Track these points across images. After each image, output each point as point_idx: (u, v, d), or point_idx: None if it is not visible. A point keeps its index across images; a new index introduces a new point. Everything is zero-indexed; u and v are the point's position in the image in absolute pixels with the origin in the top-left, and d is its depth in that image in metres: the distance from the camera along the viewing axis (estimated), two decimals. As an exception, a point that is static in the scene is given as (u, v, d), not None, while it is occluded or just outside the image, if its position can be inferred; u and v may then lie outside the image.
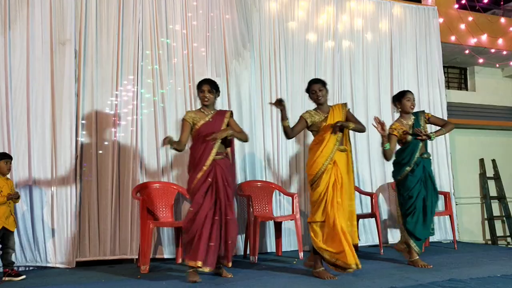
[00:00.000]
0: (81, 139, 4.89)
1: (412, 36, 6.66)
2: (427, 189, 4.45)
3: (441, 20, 6.97)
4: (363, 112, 6.10)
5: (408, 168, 4.43)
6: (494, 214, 7.91)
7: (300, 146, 5.82)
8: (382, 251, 5.32)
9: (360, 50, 6.33)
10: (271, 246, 5.44)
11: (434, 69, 6.70)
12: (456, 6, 7.45)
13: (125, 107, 5.09)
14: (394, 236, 6.06)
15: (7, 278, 4.05)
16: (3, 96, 4.65)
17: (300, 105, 5.87)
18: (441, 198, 5.48)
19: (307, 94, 4.20)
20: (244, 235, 5.21)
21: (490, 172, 8.10)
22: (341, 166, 3.96)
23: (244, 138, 4.16)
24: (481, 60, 7.74)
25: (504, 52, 7.68)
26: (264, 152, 5.63)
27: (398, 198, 4.61)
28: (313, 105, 4.04)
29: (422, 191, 4.42)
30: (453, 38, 7.20)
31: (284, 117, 3.99)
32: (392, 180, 6.07)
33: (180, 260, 4.81)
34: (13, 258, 4.21)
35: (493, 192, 8.04)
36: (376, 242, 5.56)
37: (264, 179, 5.54)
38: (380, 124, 4.31)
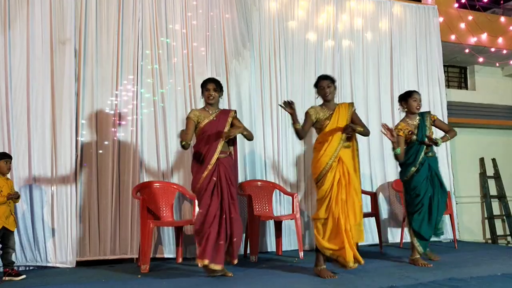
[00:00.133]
0: (81, 139, 4.89)
1: (412, 35, 6.65)
2: (434, 187, 4.44)
3: (441, 19, 6.96)
4: (363, 111, 6.09)
5: (413, 168, 4.43)
6: (494, 213, 7.91)
7: (300, 146, 5.82)
8: (382, 250, 5.32)
9: (360, 49, 6.33)
10: (271, 246, 5.44)
11: (434, 68, 6.70)
12: (456, 5, 7.45)
13: (125, 106, 5.09)
14: (394, 235, 6.07)
15: (7, 278, 4.05)
16: (3, 95, 4.65)
17: (300, 104, 5.85)
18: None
19: (315, 89, 4.16)
20: (244, 234, 5.20)
21: (490, 171, 8.10)
22: (347, 163, 3.95)
23: (251, 137, 4.22)
24: (481, 59, 7.73)
25: (504, 51, 7.67)
26: (264, 151, 5.63)
27: (404, 198, 4.61)
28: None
29: (429, 189, 4.42)
30: (453, 37, 7.20)
31: (295, 120, 3.92)
32: (392, 179, 6.16)
33: (180, 260, 4.82)
34: (13, 257, 4.21)
35: (493, 191, 8.04)
36: (376, 241, 5.57)
37: (264, 179, 5.54)
38: (389, 130, 4.27)
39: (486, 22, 7.53)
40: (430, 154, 4.48)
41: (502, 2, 8.13)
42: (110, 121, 5.00)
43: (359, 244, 4.69)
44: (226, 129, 4.02)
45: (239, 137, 4.35)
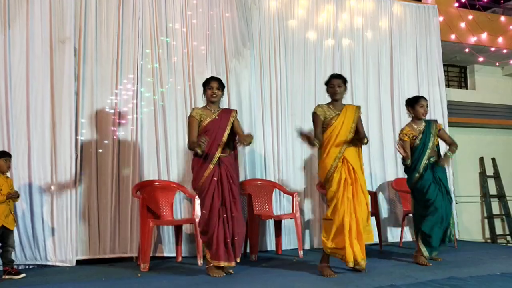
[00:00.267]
0: (81, 138, 4.88)
1: (412, 34, 6.65)
2: (441, 193, 4.43)
3: (441, 18, 6.96)
4: (363, 110, 5.93)
5: (417, 175, 4.43)
6: (494, 213, 7.92)
7: (300, 145, 5.81)
8: (381, 249, 5.32)
9: (360, 48, 6.33)
10: (271, 245, 5.44)
11: (434, 68, 6.70)
12: (456, 4, 7.45)
13: (125, 105, 5.09)
14: (393, 234, 6.07)
15: (7, 277, 4.05)
16: (2, 94, 4.64)
17: (300, 103, 5.88)
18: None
19: (326, 87, 4.16)
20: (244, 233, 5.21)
21: (490, 171, 8.11)
22: (352, 162, 3.95)
23: (251, 141, 4.22)
24: (481, 59, 7.74)
25: (504, 51, 7.68)
26: (264, 150, 5.63)
27: (413, 203, 4.62)
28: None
29: (438, 193, 4.39)
30: (453, 36, 7.20)
31: (312, 141, 3.92)
32: (392, 179, 6.16)
33: (180, 259, 4.82)
34: (13, 256, 4.21)
35: (492, 190, 8.05)
36: (376, 240, 5.56)
37: (264, 178, 5.54)
38: (402, 148, 4.41)
39: (486, 21, 7.54)
40: (432, 159, 4.48)
41: (502, 1, 8.13)
42: (110, 120, 5.00)
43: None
44: (228, 128, 4.06)
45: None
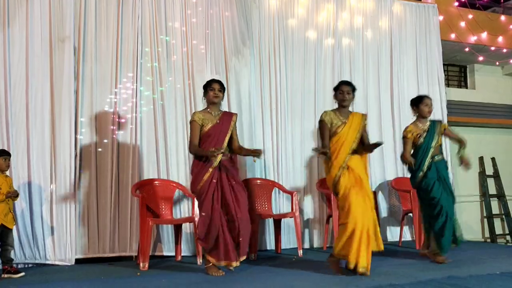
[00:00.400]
0: (80, 137, 4.88)
1: (412, 34, 6.65)
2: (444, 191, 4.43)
3: (441, 17, 6.96)
4: (363, 110, 6.07)
5: (421, 174, 4.44)
6: (494, 212, 7.91)
7: (300, 144, 5.82)
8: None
9: (360, 47, 6.32)
10: (270, 244, 5.44)
11: (434, 67, 6.70)
12: (456, 3, 7.44)
13: (125, 104, 5.08)
14: (393, 233, 6.07)
15: (6, 275, 4.05)
16: (2, 93, 4.64)
17: (299, 102, 5.88)
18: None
19: (334, 92, 4.14)
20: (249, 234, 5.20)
21: (489, 170, 8.10)
22: (357, 168, 3.93)
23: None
24: (481, 58, 7.73)
25: (504, 50, 7.67)
26: (263, 149, 5.61)
27: (419, 204, 4.63)
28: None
29: (443, 191, 4.39)
30: (453, 36, 7.19)
31: (326, 153, 3.93)
32: (391, 178, 6.15)
33: (179, 258, 4.82)
34: (12, 255, 4.20)
35: (492, 190, 8.04)
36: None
37: (263, 177, 5.54)
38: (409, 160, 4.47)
39: (486, 20, 7.53)
40: (436, 158, 4.48)
41: (502, 1, 8.12)
42: (109, 119, 5.00)
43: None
44: (229, 133, 4.10)
45: (239, 136, 4.41)
